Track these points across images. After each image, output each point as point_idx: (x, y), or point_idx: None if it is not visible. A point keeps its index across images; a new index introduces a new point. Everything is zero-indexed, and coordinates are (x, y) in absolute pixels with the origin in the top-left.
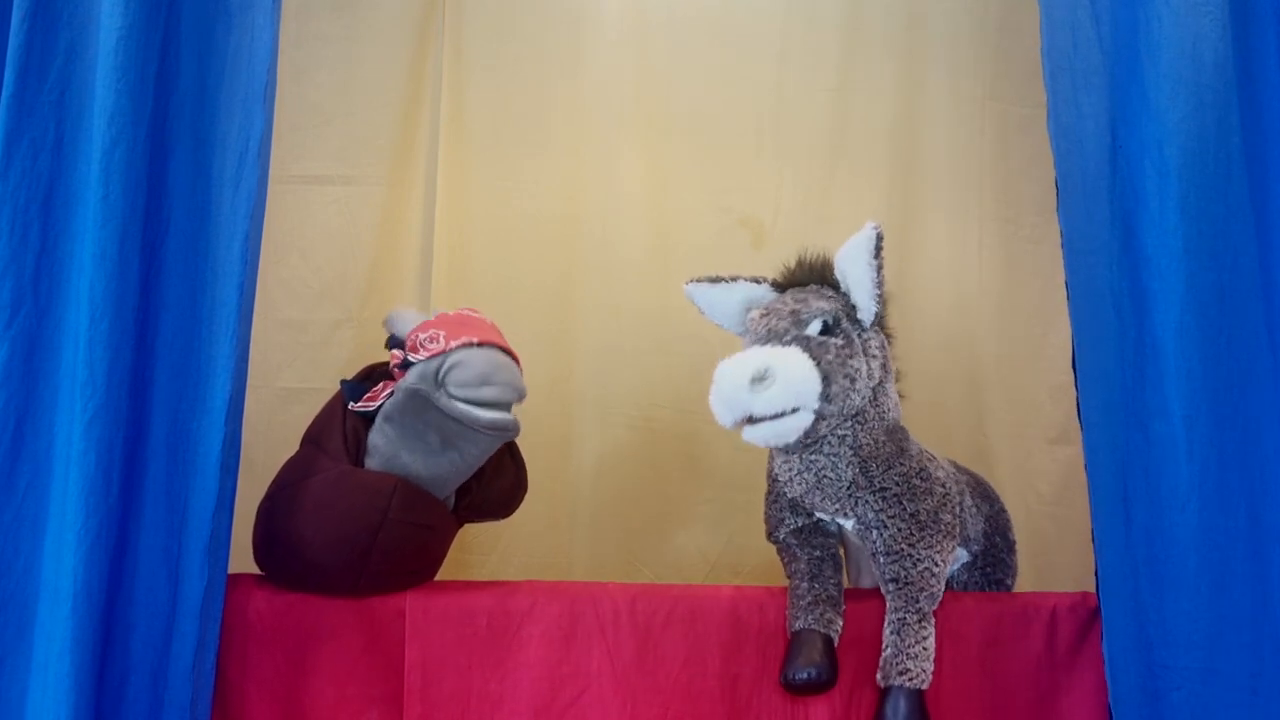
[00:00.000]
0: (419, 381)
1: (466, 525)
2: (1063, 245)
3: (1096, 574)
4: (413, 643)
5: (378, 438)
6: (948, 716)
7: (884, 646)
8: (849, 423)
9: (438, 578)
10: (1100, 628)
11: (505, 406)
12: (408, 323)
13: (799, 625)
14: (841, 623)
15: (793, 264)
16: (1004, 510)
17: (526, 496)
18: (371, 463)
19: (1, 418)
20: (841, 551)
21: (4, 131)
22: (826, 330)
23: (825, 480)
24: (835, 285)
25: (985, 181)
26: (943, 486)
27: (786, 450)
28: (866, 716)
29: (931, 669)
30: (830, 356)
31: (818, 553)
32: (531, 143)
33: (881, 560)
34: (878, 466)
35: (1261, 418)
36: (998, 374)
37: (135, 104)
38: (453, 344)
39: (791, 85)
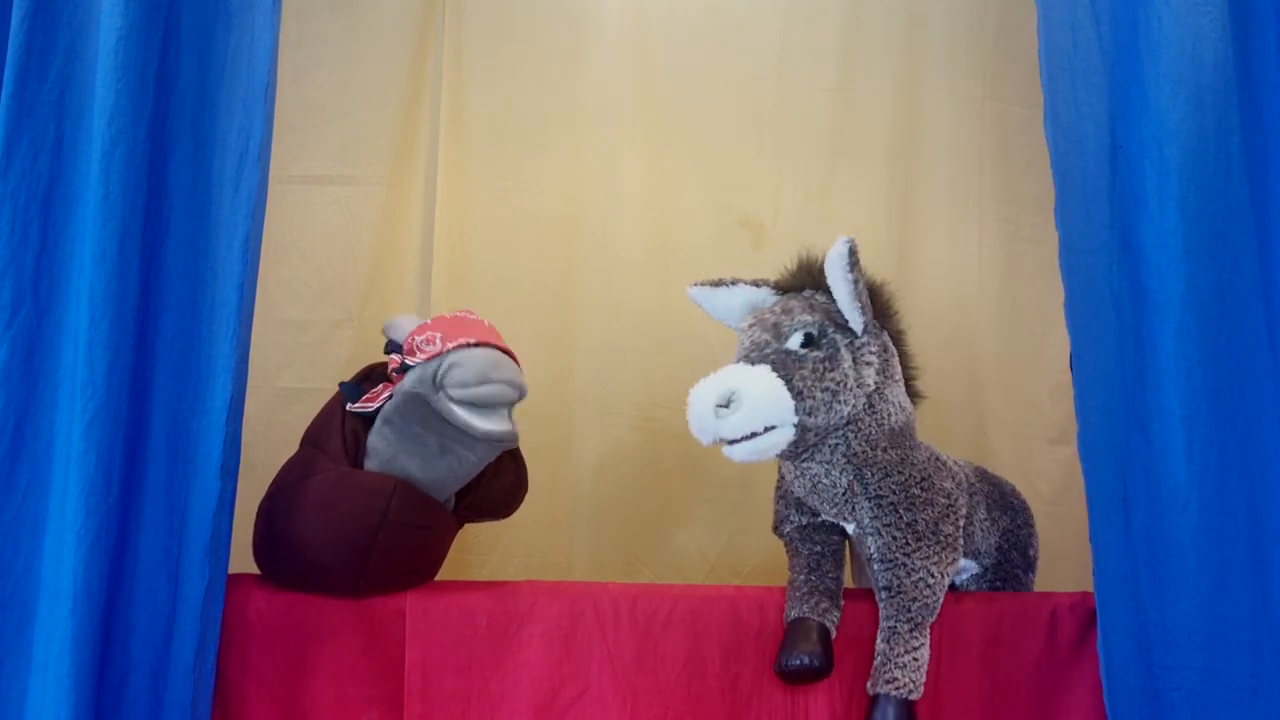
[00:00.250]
0: (417, 385)
1: (466, 525)
2: (1061, 245)
3: (1095, 574)
4: (413, 643)
5: (377, 440)
6: (948, 716)
7: (875, 654)
8: (841, 431)
9: (438, 578)
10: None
11: (505, 406)
12: (405, 328)
13: (795, 614)
14: (839, 615)
15: (793, 266)
16: (1028, 525)
17: (526, 496)
18: (370, 464)
19: (1, 418)
20: (847, 549)
21: (4, 131)
22: (809, 343)
23: (821, 486)
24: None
25: (985, 181)
26: (946, 497)
27: (783, 456)
28: None
29: (923, 680)
30: (805, 371)
31: (819, 548)
32: (531, 143)
33: (876, 567)
34: (874, 474)
35: (1261, 418)
36: (998, 374)
37: (135, 104)
38: (449, 345)
39: (791, 85)
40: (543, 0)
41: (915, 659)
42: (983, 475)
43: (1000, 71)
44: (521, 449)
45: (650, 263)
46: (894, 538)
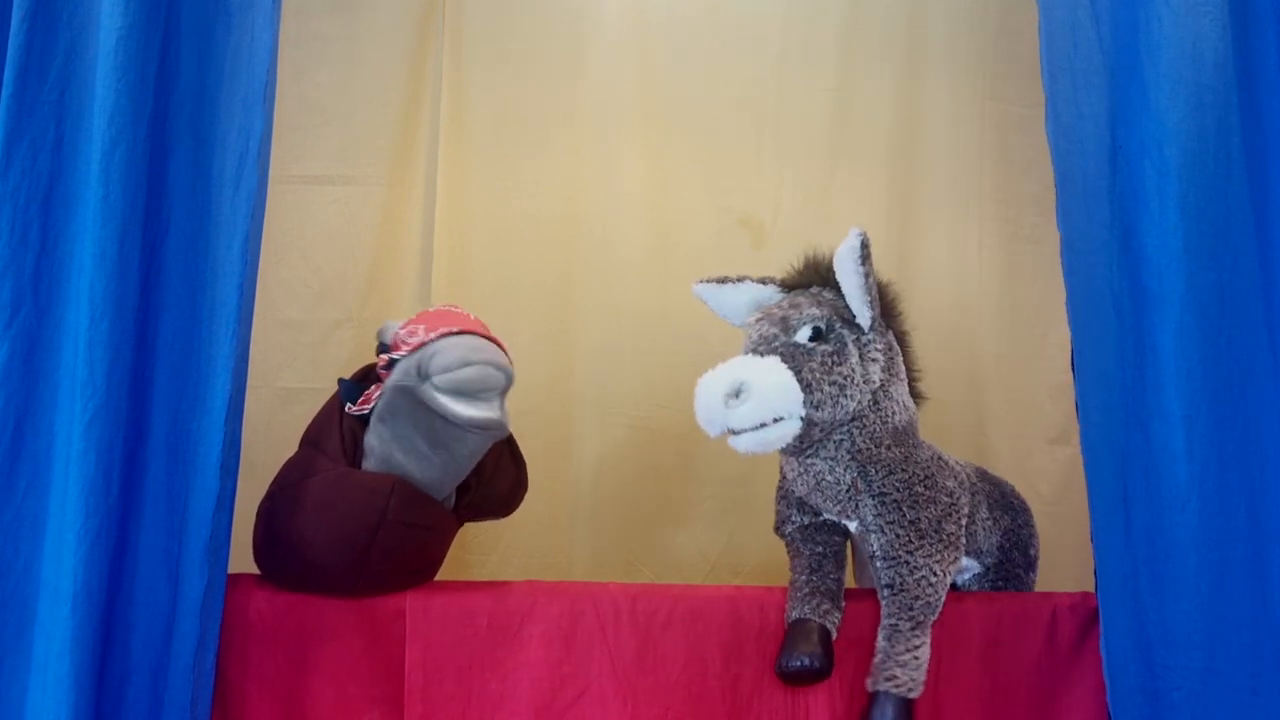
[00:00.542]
0: (403, 377)
1: (466, 525)
2: (1061, 245)
3: (1096, 574)
4: (413, 643)
5: (372, 439)
6: (948, 716)
7: (875, 651)
8: (846, 427)
9: (438, 578)
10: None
11: (490, 391)
12: (394, 330)
13: (795, 615)
14: (840, 616)
15: (800, 264)
16: (1028, 525)
17: (527, 496)
18: (368, 464)
19: (1, 418)
20: (849, 549)
21: (4, 131)
22: (817, 336)
23: (824, 483)
24: (837, 286)
25: (985, 181)
26: (949, 496)
27: (786, 452)
28: None
29: (922, 679)
30: (814, 364)
31: (820, 548)
32: (531, 143)
33: (879, 565)
34: (878, 471)
35: (1261, 418)
36: (998, 374)
37: (135, 104)
38: (432, 335)
39: (791, 85)
40: (543, 0)
41: (916, 657)
42: (983, 475)
43: (1000, 71)
44: (521, 449)
45: (650, 263)
46: (897, 535)
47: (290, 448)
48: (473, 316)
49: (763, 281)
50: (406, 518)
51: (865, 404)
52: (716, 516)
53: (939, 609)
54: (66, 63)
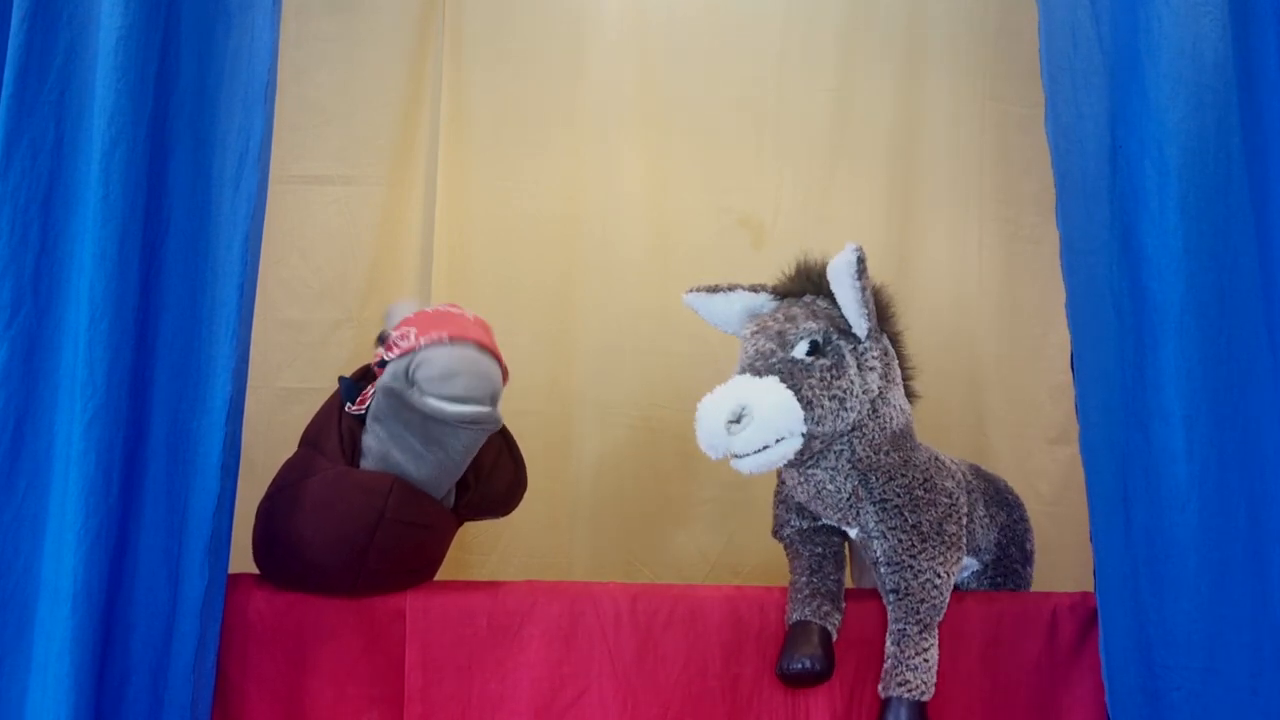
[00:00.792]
0: (392, 380)
1: (466, 525)
2: (1061, 245)
3: (1096, 574)
4: (413, 643)
5: (370, 439)
6: (948, 716)
7: (885, 657)
8: (845, 437)
9: (438, 577)
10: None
11: (478, 400)
12: (405, 314)
13: (796, 617)
14: (840, 617)
15: (791, 271)
16: (1023, 520)
17: (527, 496)
18: (366, 464)
19: (1, 418)
20: (846, 549)
21: (4, 131)
22: (814, 350)
23: (825, 492)
24: (831, 295)
25: (985, 181)
26: (949, 497)
27: (787, 464)
28: (868, 716)
29: (933, 681)
30: (813, 380)
31: (820, 549)
32: (531, 143)
33: (883, 571)
34: (878, 478)
35: (1261, 418)
36: (998, 374)
37: (135, 104)
38: (422, 341)
39: (791, 85)
40: (543, 0)
41: (925, 660)
42: (977, 472)
43: (1000, 71)
44: (521, 449)
45: (650, 263)
46: (900, 540)
47: (290, 448)
48: (471, 317)
49: (754, 289)
50: (405, 516)
51: (864, 413)
52: (716, 517)
53: (944, 610)
54: (66, 63)
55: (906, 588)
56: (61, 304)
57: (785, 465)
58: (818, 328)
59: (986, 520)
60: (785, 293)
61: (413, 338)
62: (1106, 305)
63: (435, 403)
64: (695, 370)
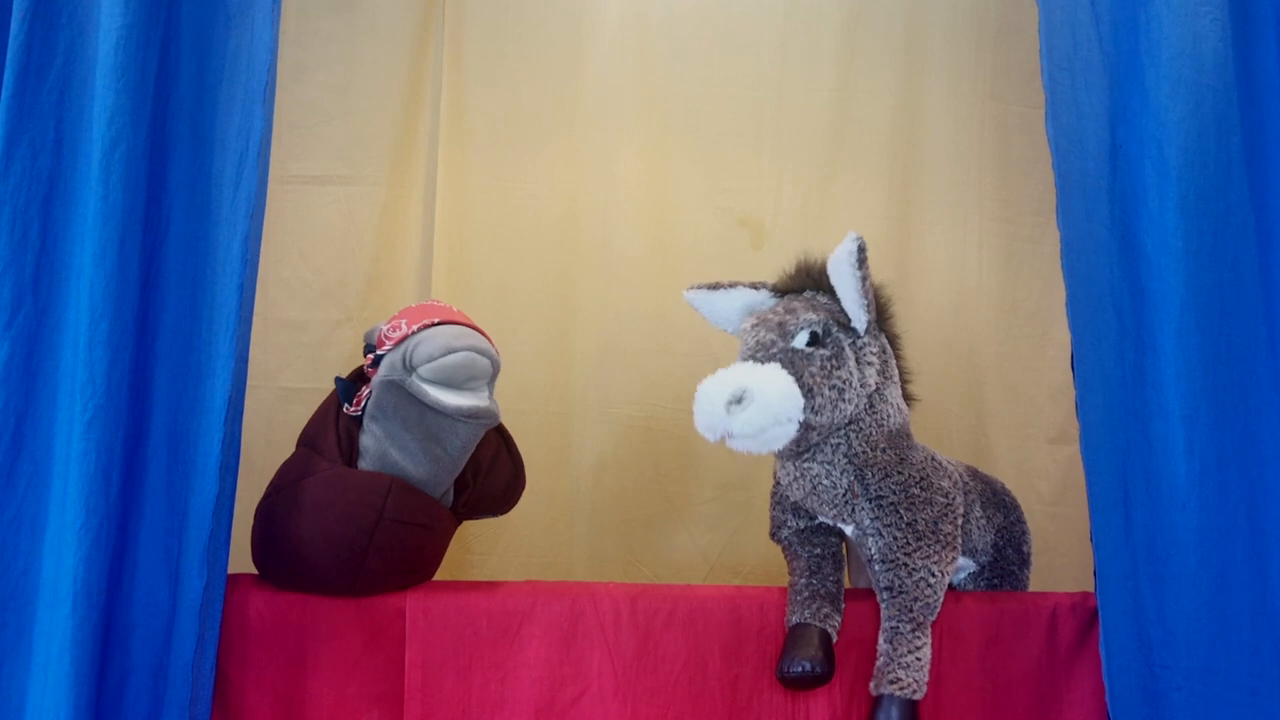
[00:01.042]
0: (389, 372)
1: (466, 525)
2: (1061, 245)
3: (1096, 574)
4: (413, 643)
5: (367, 439)
6: (948, 716)
7: (878, 655)
8: (843, 431)
9: (437, 577)
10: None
11: (476, 378)
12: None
13: (796, 620)
14: (840, 619)
15: (791, 269)
16: (1020, 522)
17: (526, 496)
18: (363, 464)
19: (1, 418)
20: (844, 550)
21: (4, 131)
22: (814, 341)
23: (821, 487)
24: (831, 290)
25: (985, 181)
26: (945, 496)
27: (783, 456)
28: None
29: (926, 679)
30: (814, 369)
31: (818, 550)
32: (531, 143)
33: (877, 568)
34: (874, 474)
35: (1261, 418)
36: (998, 374)
37: (135, 104)
38: (414, 327)
39: (791, 85)
40: (543, 0)
41: (918, 658)
42: (974, 474)
43: (1000, 71)
44: (521, 449)
45: (650, 262)
46: (895, 538)
47: (290, 448)
48: (455, 310)
49: (754, 286)
50: (403, 516)
51: (861, 408)
52: (716, 517)
53: (938, 609)
54: (66, 63)
55: (900, 585)
56: (61, 304)
57: (780, 457)
58: (818, 319)
59: (983, 522)
60: (785, 289)
61: (404, 327)
62: (1106, 305)
63: (435, 393)
64: (695, 370)
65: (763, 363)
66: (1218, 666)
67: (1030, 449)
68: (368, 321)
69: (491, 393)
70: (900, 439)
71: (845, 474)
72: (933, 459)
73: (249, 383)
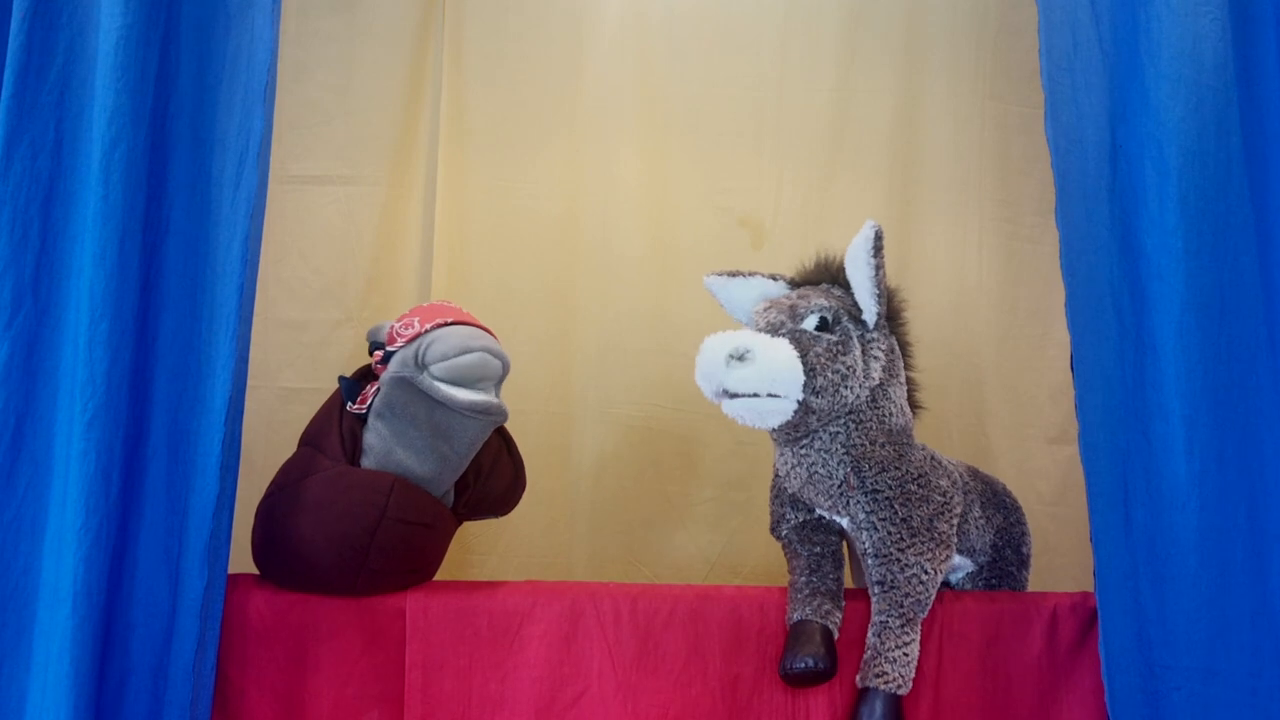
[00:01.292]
0: (400, 368)
1: (466, 525)
2: (1061, 245)
3: (1095, 574)
4: (413, 643)
5: (371, 437)
6: (948, 716)
7: (865, 648)
8: (842, 420)
9: (437, 577)
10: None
11: (487, 379)
12: (386, 329)
13: (797, 617)
14: (840, 616)
15: (809, 263)
16: (1020, 523)
17: (526, 496)
18: (367, 462)
19: (1, 418)
20: (845, 549)
21: (4, 131)
22: (823, 326)
23: (817, 476)
24: (846, 285)
25: (985, 181)
26: (942, 495)
27: (780, 442)
28: None
29: (911, 675)
30: (819, 349)
31: (818, 549)
32: (531, 143)
33: (870, 562)
34: (871, 468)
35: (1261, 418)
36: (998, 374)
37: (135, 104)
38: (427, 325)
39: (791, 85)
40: (542, 1)
41: (906, 654)
42: (975, 474)
43: (1000, 71)
44: (521, 449)
45: (650, 262)
46: (889, 533)
47: (290, 448)
48: (464, 310)
49: (773, 277)
50: (406, 515)
51: (863, 399)
52: (716, 517)
53: (929, 606)
54: (66, 63)
55: (892, 580)
56: (61, 304)
57: (779, 443)
58: (829, 305)
59: (982, 522)
60: (802, 281)
61: (417, 325)
62: (1106, 305)
63: (446, 389)
64: (694, 370)
65: (774, 336)
66: (1218, 666)
67: (1030, 449)
68: (368, 321)
69: (498, 393)
70: (901, 437)
71: (842, 464)
72: (933, 458)
73: (249, 383)
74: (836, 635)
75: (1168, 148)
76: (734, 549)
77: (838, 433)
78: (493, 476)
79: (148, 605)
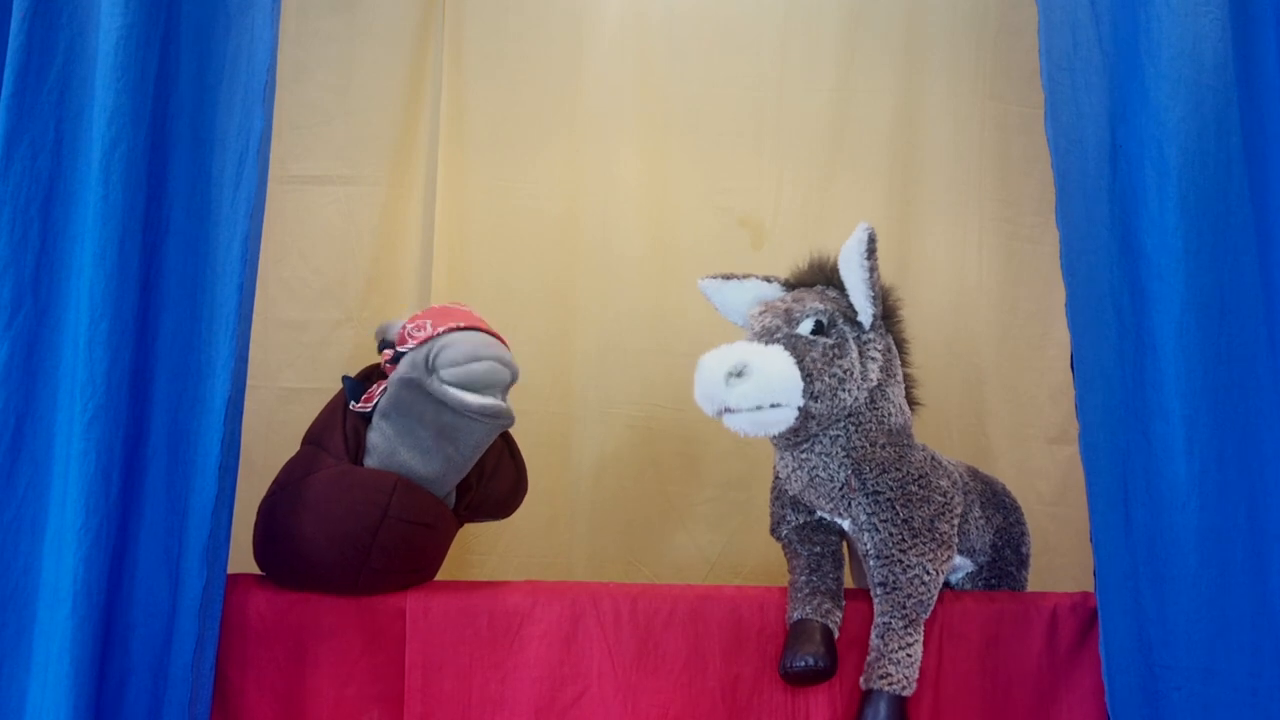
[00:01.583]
0: (410, 370)
1: (466, 525)
2: (1061, 245)
3: (1095, 574)
4: (413, 642)
5: (376, 436)
6: (948, 716)
7: (869, 650)
8: (842, 423)
9: (438, 577)
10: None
11: (496, 386)
12: (398, 328)
13: (797, 616)
14: (841, 615)
15: (804, 265)
16: (1020, 523)
17: (526, 496)
18: (371, 462)
19: (1, 418)
20: (845, 549)
21: (4, 131)
22: (819, 330)
23: (818, 479)
24: (841, 286)
25: (985, 181)
26: (943, 495)
27: (781, 446)
28: None
29: (915, 676)
30: (815, 354)
31: (818, 549)
32: (531, 143)
33: (872, 564)
34: (872, 469)
35: (1261, 418)
36: (998, 374)
37: (135, 104)
38: (440, 329)
39: (791, 85)
40: (542, 0)
41: (909, 655)
42: (974, 474)
43: (1000, 71)
44: (521, 449)
45: (649, 262)
46: (890, 534)
47: (290, 447)
48: (476, 314)
49: (767, 279)
50: (408, 515)
51: (862, 401)
52: (716, 517)
53: (931, 606)
54: (66, 63)
55: (894, 581)
56: (61, 304)
57: (779, 447)
58: (824, 308)
59: (982, 522)
60: (797, 283)
61: (429, 328)
62: (1106, 305)
63: (456, 392)
64: (695, 370)
65: (766, 345)
66: (1218, 666)
67: (1030, 449)
68: (368, 321)
69: (506, 400)
70: (901, 437)
71: (843, 467)
72: (933, 458)
73: (249, 383)
74: (836, 634)
75: (1168, 148)
76: (734, 549)
77: (838, 436)
78: (495, 479)
79: (148, 605)
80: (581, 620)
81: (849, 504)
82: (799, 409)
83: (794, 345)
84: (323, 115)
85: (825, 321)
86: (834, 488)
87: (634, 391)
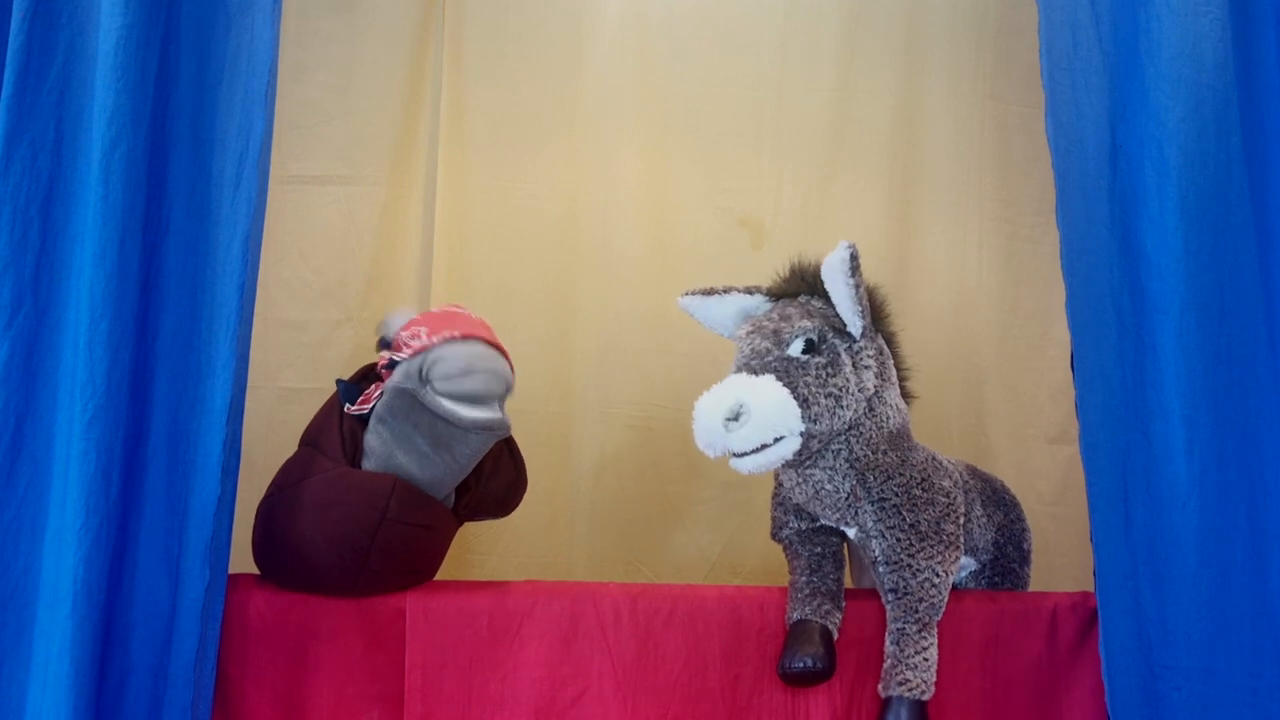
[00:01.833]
0: (404, 380)
1: (466, 525)
2: (1061, 245)
3: (1095, 574)
4: (413, 643)
5: (373, 439)
6: (948, 716)
7: (885, 657)
8: (843, 436)
9: (438, 577)
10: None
11: (491, 398)
12: (401, 323)
13: (797, 616)
14: (840, 616)
15: (786, 272)
16: (1020, 520)
17: (526, 496)
18: (368, 464)
19: (1, 418)
20: (845, 550)
21: (4, 131)
22: (810, 348)
23: (824, 492)
24: (825, 294)
25: (985, 181)
26: (946, 496)
27: (785, 464)
28: (867, 716)
29: (933, 679)
30: (810, 378)
31: (819, 549)
32: (531, 143)
33: (881, 570)
34: (876, 477)
35: (1261, 418)
36: (998, 374)
37: (135, 104)
38: (434, 339)
39: (791, 85)
40: (543, 0)
41: (925, 659)
42: (974, 472)
43: (1000, 71)
44: (521, 449)
45: (649, 262)
46: (898, 540)
47: (290, 448)
48: (476, 317)
49: (749, 291)
50: (406, 517)
51: (861, 412)
52: (716, 517)
53: (943, 609)
54: (66, 63)
55: (905, 587)
56: (61, 304)
57: (783, 466)
58: (813, 326)
59: (984, 520)
60: (780, 294)
61: (424, 336)
62: (1106, 305)
63: (449, 405)
64: (695, 371)
65: (757, 373)
66: (1218, 666)
67: (1030, 449)
68: (368, 321)
69: (503, 406)
70: (901, 440)
71: (847, 479)
72: (933, 459)
73: (249, 383)
74: (836, 635)
75: (1168, 148)
76: (734, 549)
77: (840, 449)
78: (494, 478)
79: (148, 605)
80: (581, 620)
81: (855, 513)
82: (800, 434)
83: (786, 371)
84: (323, 115)
85: (815, 339)
86: (840, 499)
87: (634, 391)
